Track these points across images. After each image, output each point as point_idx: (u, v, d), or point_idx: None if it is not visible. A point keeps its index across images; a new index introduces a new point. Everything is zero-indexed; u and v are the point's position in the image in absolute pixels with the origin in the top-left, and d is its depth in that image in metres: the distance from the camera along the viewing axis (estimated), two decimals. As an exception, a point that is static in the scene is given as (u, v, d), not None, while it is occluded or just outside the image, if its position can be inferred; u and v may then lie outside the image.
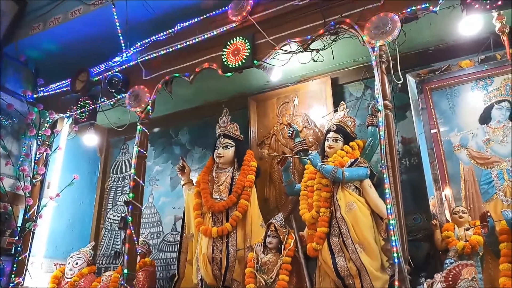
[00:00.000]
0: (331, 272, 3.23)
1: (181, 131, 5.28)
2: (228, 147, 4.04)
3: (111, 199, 5.53)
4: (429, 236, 3.39)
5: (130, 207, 3.91)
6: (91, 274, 4.67)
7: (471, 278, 2.56)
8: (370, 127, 3.60)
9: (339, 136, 3.59)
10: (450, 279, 2.67)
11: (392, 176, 2.89)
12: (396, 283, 2.65)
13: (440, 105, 3.81)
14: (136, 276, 4.06)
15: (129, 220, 3.87)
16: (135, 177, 3.98)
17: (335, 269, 3.19)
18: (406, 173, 3.76)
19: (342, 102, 3.83)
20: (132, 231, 3.84)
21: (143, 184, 3.99)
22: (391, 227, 2.76)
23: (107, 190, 5.59)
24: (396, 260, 2.67)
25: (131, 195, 3.92)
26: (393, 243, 2.71)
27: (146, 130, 4.14)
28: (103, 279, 4.47)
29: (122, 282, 3.67)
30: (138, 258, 4.19)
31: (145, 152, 4.08)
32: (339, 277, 3.20)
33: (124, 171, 5.58)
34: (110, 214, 5.45)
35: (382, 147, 2.94)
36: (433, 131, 3.76)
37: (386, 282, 3.08)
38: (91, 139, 4.94)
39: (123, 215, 4.32)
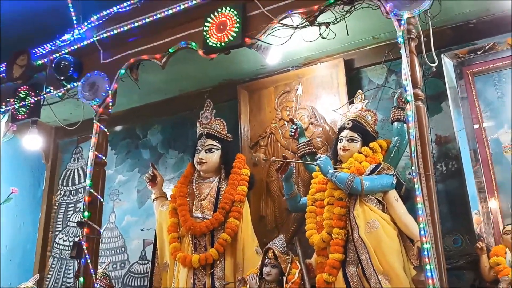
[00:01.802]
0: (349, 311, 3.20)
1: (151, 130, 5.25)
2: (212, 150, 4.02)
3: (61, 219, 5.48)
4: (474, 263, 3.38)
5: (85, 229, 3.86)
6: (34, 318, 4.62)
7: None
8: (395, 123, 3.58)
9: (356, 135, 3.57)
10: (503, 319, 2.64)
11: (426, 186, 2.85)
12: (434, 326, 2.62)
13: (486, 94, 3.80)
14: (94, 320, 4.00)
15: (84, 247, 3.81)
16: (92, 190, 3.92)
17: (354, 307, 3.16)
18: (443, 181, 3.76)
19: (359, 91, 3.81)
20: (88, 261, 3.78)
21: (102, 200, 3.94)
22: (426, 252, 2.72)
23: (55, 207, 5.55)
24: (432, 296, 2.63)
25: (86, 214, 3.86)
26: (428, 274, 2.68)
27: (105, 129, 4.08)
28: (51, 324, 4.42)
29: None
30: (97, 295, 4.14)
31: (104, 158, 4.03)
32: (359, 317, 3.17)
33: (77, 182, 5.54)
34: (59, 239, 5.40)
35: (412, 149, 2.91)
36: (476, 126, 3.76)
37: (419, 323, 3.05)
38: (33, 141, 4.87)
39: (76, 240, 4.25)
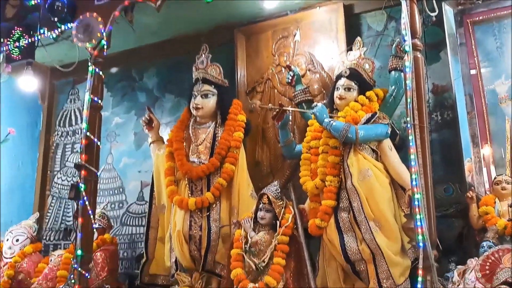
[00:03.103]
0: (339, 255, 3.29)
1: (147, 73, 5.18)
2: (209, 95, 3.98)
3: (59, 159, 5.50)
4: (463, 211, 3.44)
5: (83, 172, 3.88)
6: (36, 254, 4.74)
7: (513, 267, 2.62)
8: (393, 72, 3.55)
9: (353, 84, 3.54)
10: (487, 267, 2.73)
11: (419, 138, 2.87)
12: (420, 272, 2.70)
13: (485, 44, 3.75)
14: (93, 258, 4.10)
15: (82, 189, 3.85)
16: (88, 133, 3.91)
17: (344, 251, 3.25)
18: (437, 131, 3.77)
19: (358, 38, 3.74)
20: (87, 203, 3.83)
21: (99, 143, 3.94)
22: (416, 202, 2.77)
23: (53, 148, 5.55)
24: (420, 244, 2.70)
25: (83, 156, 3.88)
26: (418, 223, 2.73)
27: (101, 72, 4.02)
28: (51, 260, 4.54)
29: (76, 266, 3.69)
30: (96, 234, 4.22)
31: (100, 102, 3.99)
32: (348, 261, 3.26)
33: (73, 123, 5.53)
34: (57, 178, 5.44)
35: (408, 100, 2.90)
36: (472, 72, 3.74)
37: (406, 268, 3.15)
38: (29, 83, 4.83)
39: (74, 182, 4.29)
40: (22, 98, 5.38)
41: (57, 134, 5.56)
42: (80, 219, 3.82)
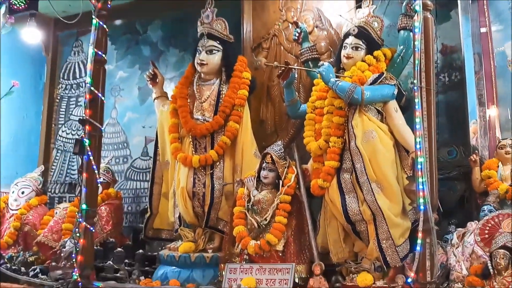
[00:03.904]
0: (340, 215, 3.32)
1: (152, 26, 5.13)
2: (214, 51, 3.94)
3: (63, 112, 5.52)
4: (466, 174, 3.46)
5: (87, 127, 3.89)
6: (41, 206, 4.84)
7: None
8: (402, 31, 3.48)
9: (361, 43, 3.49)
10: (486, 232, 2.76)
11: (425, 101, 2.84)
12: (420, 234, 2.73)
13: (497, 4, 3.68)
14: (98, 212, 4.17)
15: (86, 144, 3.87)
16: (92, 88, 3.89)
17: (345, 212, 3.28)
18: (444, 92, 3.76)
19: (368, -6, 3.65)
20: (91, 158, 3.86)
21: (103, 98, 3.93)
22: (419, 166, 2.77)
23: (58, 101, 5.57)
24: (421, 207, 2.72)
25: (87, 111, 3.87)
26: (420, 186, 2.75)
27: (105, 26, 3.97)
28: (56, 212, 4.63)
29: (80, 220, 3.76)
30: (100, 188, 4.26)
31: (104, 56, 3.95)
32: (349, 222, 3.30)
33: (78, 76, 5.52)
34: (62, 132, 5.47)
35: (416, 62, 2.86)
36: (483, 30, 3.66)
37: (407, 230, 3.19)
38: (33, 34, 4.79)
39: (78, 136, 4.32)
40: (26, 50, 5.35)
41: (61, 87, 5.57)
42: (84, 174, 3.86)
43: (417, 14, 2.90)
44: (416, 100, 2.84)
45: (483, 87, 3.64)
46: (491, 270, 2.58)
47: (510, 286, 2.49)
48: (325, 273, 3.24)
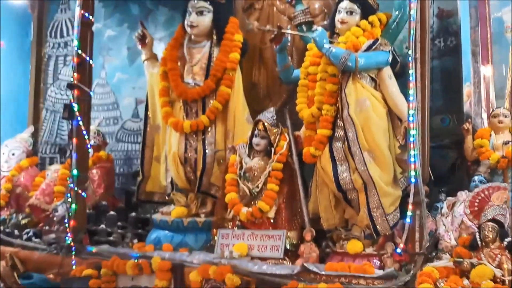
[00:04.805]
0: (331, 183, 3.33)
1: (140, -19, 4.98)
2: (204, 12, 3.84)
3: (51, 72, 5.44)
4: (458, 143, 3.45)
5: (75, 91, 3.85)
6: (32, 168, 4.84)
7: (501, 204, 2.66)
8: (398, -4, 3.40)
9: (356, 7, 3.39)
10: (476, 204, 2.79)
11: (420, 71, 2.82)
12: (410, 206, 2.77)
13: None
14: (89, 175, 4.18)
15: (75, 109, 3.84)
16: (80, 51, 3.83)
17: (336, 180, 3.28)
18: (439, 58, 3.69)
19: (364, -46, 3.53)
20: (81, 123, 3.84)
21: (91, 62, 3.87)
22: (412, 138, 2.77)
23: (45, 60, 5.46)
24: (412, 180, 2.74)
25: (75, 75, 3.82)
26: (412, 159, 2.75)
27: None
28: (48, 174, 4.62)
29: (72, 185, 3.77)
30: (91, 151, 4.26)
31: (91, 17, 3.89)
32: (340, 190, 3.31)
33: (65, 34, 5.39)
34: (51, 92, 5.40)
35: (411, 32, 2.81)
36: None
37: (397, 199, 3.21)
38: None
39: (66, 102, 4.26)
40: (11, 7, 5.20)
41: (49, 46, 5.45)
42: (74, 140, 3.85)
43: (413, -20, 2.84)
44: (410, 72, 2.82)
45: (478, 54, 3.59)
46: (479, 242, 2.62)
47: (497, 258, 2.54)
48: (316, 239, 3.29)
